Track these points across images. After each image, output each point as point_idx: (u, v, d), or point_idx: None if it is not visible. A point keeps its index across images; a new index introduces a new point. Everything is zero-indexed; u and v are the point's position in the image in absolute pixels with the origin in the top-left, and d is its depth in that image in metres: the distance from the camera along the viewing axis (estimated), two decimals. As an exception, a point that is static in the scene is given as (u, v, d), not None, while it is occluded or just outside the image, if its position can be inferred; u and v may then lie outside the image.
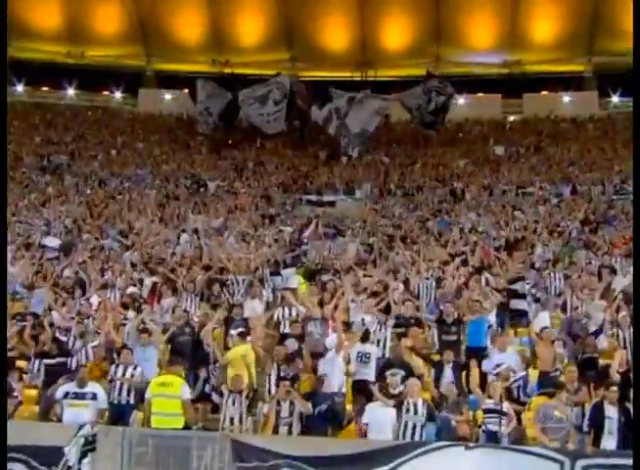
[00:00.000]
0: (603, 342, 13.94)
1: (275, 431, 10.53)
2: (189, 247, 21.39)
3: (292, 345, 12.94)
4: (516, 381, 11.72)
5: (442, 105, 38.10)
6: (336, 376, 11.88)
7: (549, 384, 11.70)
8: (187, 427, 10.64)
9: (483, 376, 12.22)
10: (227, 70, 48.45)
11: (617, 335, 13.51)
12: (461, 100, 46.02)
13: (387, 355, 13.35)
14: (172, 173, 34.42)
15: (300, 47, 48.48)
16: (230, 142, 40.83)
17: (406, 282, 17.18)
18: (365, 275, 17.60)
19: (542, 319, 14.46)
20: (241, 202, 29.14)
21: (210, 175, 34.13)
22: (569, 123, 43.04)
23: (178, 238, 22.85)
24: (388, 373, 11.81)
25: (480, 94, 47.54)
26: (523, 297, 16.30)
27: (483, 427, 10.70)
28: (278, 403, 10.74)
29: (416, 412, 10.64)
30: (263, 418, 10.96)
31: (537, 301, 16.18)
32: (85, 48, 48.64)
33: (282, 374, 11.73)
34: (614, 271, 18.25)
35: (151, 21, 48.53)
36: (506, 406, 10.77)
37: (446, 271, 17.35)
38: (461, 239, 21.88)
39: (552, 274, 17.75)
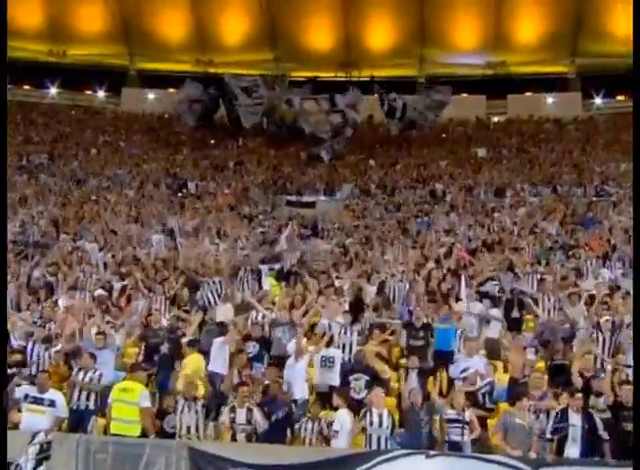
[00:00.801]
0: (579, 346, 13.85)
1: (233, 438, 10.27)
2: (163, 248, 21.14)
3: (253, 349, 12.67)
4: (482, 387, 11.49)
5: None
6: (296, 382, 11.65)
7: (518, 390, 11.51)
8: (145, 435, 10.40)
9: (451, 382, 12.04)
10: (211, 70, 48.32)
11: (597, 339, 13.34)
12: (445, 101, 45.92)
13: (352, 361, 13.15)
14: (152, 173, 34.13)
15: (284, 47, 48.30)
16: (212, 142, 40.62)
17: (380, 285, 17.06)
18: (338, 277, 17.45)
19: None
20: (219, 202, 28.90)
21: (191, 175, 33.86)
22: (552, 125, 42.98)
23: (154, 239, 22.63)
24: (351, 378, 11.61)
25: (465, 95, 47.37)
26: (492, 299, 16.19)
27: (446, 437, 10.50)
28: (233, 410, 10.47)
29: (381, 424, 10.42)
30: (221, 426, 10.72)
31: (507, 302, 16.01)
32: (68, 47, 48.34)
33: (243, 379, 11.47)
34: (586, 274, 18.27)
35: (134, 20, 48.21)
36: (468, 415, 10.57)
37: (420, 274, 17.17)
38: (438, 240, 21.74)
39: (528, 276, 17.67)
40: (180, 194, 30.98)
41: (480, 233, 22.75)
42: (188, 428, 10.52)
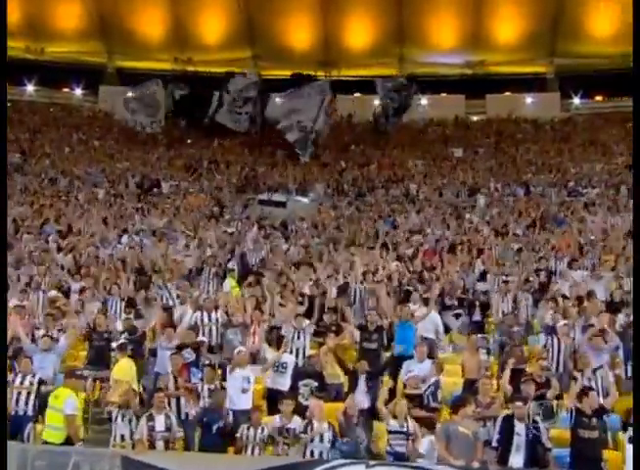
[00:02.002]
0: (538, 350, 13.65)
1: (152, 446, 9.94)
2: (127, 248, 20.77)
3: (188, 354, 12.34)
4: (427, 388, 11.21)
5: (402, 104, 37.85)
6: (237, 389, 11.31)
7: (465, 396, 11.22)
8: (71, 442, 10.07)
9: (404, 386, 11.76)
10: (190, 68, 48.04)
11: (552, 343, 13.08)
12: (424, 100, 45.81)
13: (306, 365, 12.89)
14: (125, 172, 33.71)
15: (263, 46, 48.10)
16: (188, 141, 40.28)
17: (343, 286, 16.80)
18: (299, 279, 17.14)
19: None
20: (190, 202, 28.57)
21: (164, 174, 33.51)
22: (530, 125, 42.88)
23: (120, 239, 22.30)
24: (300, 383, 11.32)
25: (444, 94, 47.37)
26: (457, 301, 15.97)
27: (389, 448, 10.19)
28: (151, 418, 10.14)
29: (322, 440, 10.11)
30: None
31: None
32: (45, 44, 47.87)
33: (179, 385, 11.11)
34: (554, 275, 18.09)
35: (112, 17, 47.76)
36: (412, 426, 10.26)
37: (382, 275, 16.92)
38: (406, 241, 21.51)
39: (494, 278, 17.45)
40: (151, 193, 30.57)
41: (450, 234, 22.49)
42: (122, 436, 10.19)
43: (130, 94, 39.04)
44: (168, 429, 10.10)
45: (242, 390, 11.27)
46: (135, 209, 26.78)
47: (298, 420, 10.30)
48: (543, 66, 46.79)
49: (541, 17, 44.48)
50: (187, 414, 10.90)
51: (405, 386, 11.46)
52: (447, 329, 15.35)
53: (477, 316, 15.66)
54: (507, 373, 11.36)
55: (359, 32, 48.01)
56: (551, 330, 13.31)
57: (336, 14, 46.53)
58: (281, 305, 14.81)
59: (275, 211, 27.10)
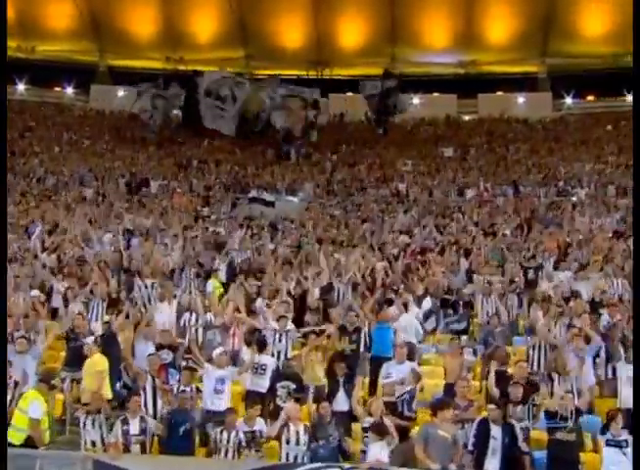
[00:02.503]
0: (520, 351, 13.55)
1: (126, 450, 9.80)
2: (112, 248, 20.58)
3: (165, 355, 12.20)
4: (402, 395, 11.06)
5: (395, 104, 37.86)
6: (211, 391, 11.18)
7: (445, 399, 11.08)
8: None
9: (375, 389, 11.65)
10: (181, 67, 47.95)
11: (533, 344, 12.97)
12: (416, 100, 45.83)
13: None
14: (114, 171, 33.57)
15: (255, 45, 48.14)
16: (179, 140, 40.16)
17: (327, 286, 16.69)
18: (284, 279, 16.99)
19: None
20: (178, 201, 28.44)
21: (153, 174, 33.38)
22: (521, 124, 42.87)
23: (105, 238, 22.10)
24: (278, 385, 11.19)
25: (436, 94, 47.38)
26: (441, 301, 15.85)
27: (363, 446, 10.03)
28: (126, 421, 10.01)
29: (298, 442, 9.95)
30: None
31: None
32: (37, 43, 47.74)
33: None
34: (540, 276, 17.95)
35: (104, 16, 47.80)
36: (387, 425, 10.06)
37: (366, 275, 16.81)
38: (393, 241, 21.38)
39: (480, 278, 17.32)
40: (140, 193, 30.43)
41: (437, 233, 22.36)
42: (93, 442, 10.02)
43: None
44: (143, 432, 9.96)
45: (215, 391, 11.13)
46: (123, 208, 26.60)
47: (263, 423, 10.20)
48: (535, 65, 46.88)
49: (533, 16, 44.57)
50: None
51: (382, 388, 11.32)
52: (432, 330, 15.27)
53: (457, 317, 15.47)
54: (492, 376, 11.21)
55: (351, 32, 48.06)
56: (533, 331, 13.20)
57: (328, 13, 46.59)
58: (267, 305, 14.67)
59: (264, 211, 26.94)
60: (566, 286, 16.80)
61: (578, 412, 10.04)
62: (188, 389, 10.81)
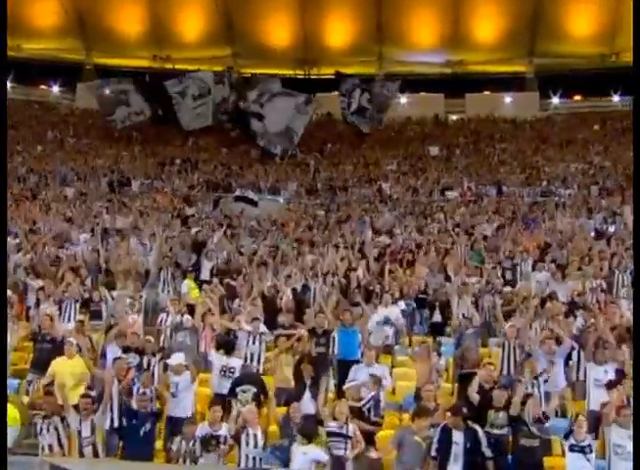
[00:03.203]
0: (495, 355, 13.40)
1: (80, 452, 9.63)
2: (88, 248, 20.37)
3: (131, 358, 12.02)
4: (367, 401, 10.87)
5: (381, 105, 37.71)
6: (169, 397, 10.99)
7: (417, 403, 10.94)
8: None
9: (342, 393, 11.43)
10: (168, 66, 47.76)
11: (504, 347, 12.83)
12: (403, 99, 45.77)
13: (260, 371, 12.60)
14: (96, 170, 33.32)
15: (242, 44, 47.94)
16: (164, 139, 39.89)
17: (303, 288, 16.54)
18: (260, 279, 16.80)
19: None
20: (160, 200, 28.22)
21: (136, 173, 33.15)
22: (508, 124, 42.79)
23: (83, 238, 21.88)
24: (238, 389, 11.00)
25: (423, 93, 47.25)
26: (417, 302, 15.74)
27: (328, 451, 9.79)
28: (79, 423, 9.83)
29: (256, 445, 9.77)
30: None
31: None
32: (22, 41, 47.31)
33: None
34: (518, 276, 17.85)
35: (90, 14, 47.51)
36: (352, 429, 9.93)
37: (342, 276, 16.66)
38: (373, 241, 21.21)
39: (457, 279, 17.16)
40: (121, 192, 30.19)
41: (417, 234, 22.20)
42: (50, 447, 9.85)
43: (106, 89, 38.49)
44: (93, 432, 9.80)
45: (173, 396, 10.95)
46: (103, 207, 26.37)
47: (226, 427, 10.03)
48: (522, 65, 46.82)
49: (520, 16, 44.49)
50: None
51: (345, 395, 11.14)
52: (407, 332, 15.14)
53: (436, 318, 15.37)
54: (476, 381, 11.03)
55: (339, 31, 47.92)
56: (503, 333, 13.08)
57: (315, 12, 46.44)
58: (238, 307, 14.51)
59: (246, 211, 26.73)
60: (543, 287, 16.74)
61: (545, 417, 9.90)
62: (147, 391, 10.61)
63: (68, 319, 15.09)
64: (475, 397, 10.46)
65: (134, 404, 10.38)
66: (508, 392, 10.40)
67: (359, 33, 47.27)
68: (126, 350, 12.28)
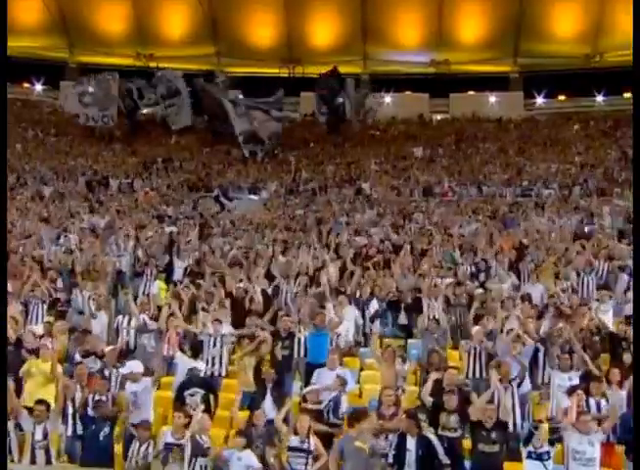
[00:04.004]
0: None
1: (32, 456, 9.43)
2: (61, 249, 20.14)
3: (92, 363, 11.80)
4: (327, 404, 10.70)
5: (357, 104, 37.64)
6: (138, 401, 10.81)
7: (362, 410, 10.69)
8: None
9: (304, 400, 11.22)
10: (152, 64, 47.50)
11: (469, 351, 12.66)
12: (388, 98, 45.73)
13: (222, 374, 12.40)
14: (76, 169, 33.07)
15: (226, 42, 47.80)
16: (145, 138, 39.70)
17: (274, 289, 16.35)
18: (236, 280, 16.58)
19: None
20: (139, 200, 28.01)
21: (116, 172, 32.90)
22: (493, 124, 42.73)
23: (58, 238, 21.69)
24: (186, 393, 10.78)
25: (408, 93, 47.20)
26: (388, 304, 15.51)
27: (288, 466, 9.57)
28: (33, 427, 9.64)
29: (205, 454, 9.50)
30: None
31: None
32: (4, 38, 46.96)
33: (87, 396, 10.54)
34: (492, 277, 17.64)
35: (73, 12, 47.28)
36: (313, 443, 9.63)
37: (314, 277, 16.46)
38: (348, 242, 21.01)
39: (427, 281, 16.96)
40: (99, 191, 29.96)
41: (394, 234, 22.01)
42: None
43: (83, 87, 38.22)
44: (45, 437, 9.62)
45: (132, 403, 10.74)
46: (80, 207, 26.17)
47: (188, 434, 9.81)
48: (507, 65, 46.81)
49: (505, 16, 44.54)
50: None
51: (306, 400, 10.97)
52: (376, 334, 14.94)
53: (406, 320, 15.17)
54: (429, 384, 10.88)
55: (323, 30, 47.89)
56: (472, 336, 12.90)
57: (300, 11, 46.44)
58: (203, 309, 14.30)
59: (223, 210, 26.56)
60: (517, 288, 16.60)
61: (505, 423, 9.76)
62: (104, 398, 10.40)
63: (36, 320, 14.91)
64: (428, 400, 10.31)
65: (90, 411, 10.16)
66: (467, 394, 10.25)
67: (344, 33, 47.22)
68: (86, 354, 12.04)
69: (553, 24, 44.08)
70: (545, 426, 9.65)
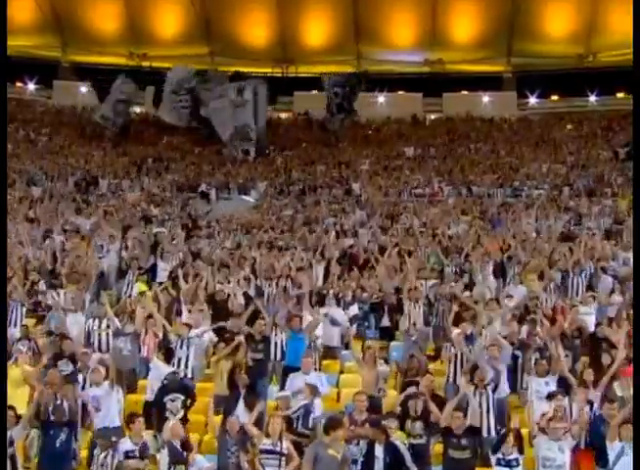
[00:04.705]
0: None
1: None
2: (46, 250, 19.99)
3: (63, 367, 11.67)
4: (296, 411, 10.57)
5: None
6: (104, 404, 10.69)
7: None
8: None
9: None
10: (145, 64, 47.39)
11: (450, 354, 12.57)
12: (381, 98, 45.61)
13: (189, 376, 12.26)
14: (66, 169, 32.90)
15: (219, 42, 47.55)
16: (137, 138, 39.55)
17: (257, 291, 16.26)
18: (220, 282, 16.47)
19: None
20: (127, 201, 27.91)
21: (106, 172, 32.74)
22: (486, 123, 42.60)
23: (43, 240, 21.55)
24: (166, 398, 10.66)
25: (401, 92, 47.04)
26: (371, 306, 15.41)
27: (261, 469, 9.36)
28: None
29: (183, 462, 9.34)
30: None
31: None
32: (-4, 37, 46.81)
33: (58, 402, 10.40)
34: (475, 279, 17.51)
35: (66, 11, 47.08)
36: (286, 446, 9.52)
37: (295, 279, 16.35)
38: (335, 243, 20.91)
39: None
40: (88, 192, 29.80)
41: (382, 235, 21.90)
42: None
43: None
44: (12, 443, 9.51)
45: (95, 408, 10.64)
46: (68, 208, 26.01)
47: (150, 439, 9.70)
48: (500, 65, 46.58)
49: (498, 16, 44.30)
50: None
51: (276, 407, 10.85)
52: (358, 337, 14.84)
53: (385, 322, 15.05)
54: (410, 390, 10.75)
55: (316, 29, 47.64)
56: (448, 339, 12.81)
57: (293, 11, 46.18)
58: (180, 311, 14.20)
59: (211, 212, 26.44)
60: (500, 290, 16.51)
61: (475, 429, 9.66)
62: (66, 403, 10.23)
63: (14, 323, 14.79)
64: (397, 406, 10.21)
65: (51, 416, 10.04)
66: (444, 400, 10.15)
67: (337, 32, 46.99)
68: (58, 357, 11.91)
69: (546, 24, 43.90)
70: (511, 433, 9.47)
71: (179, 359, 12.21)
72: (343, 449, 9.02)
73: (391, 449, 9.13)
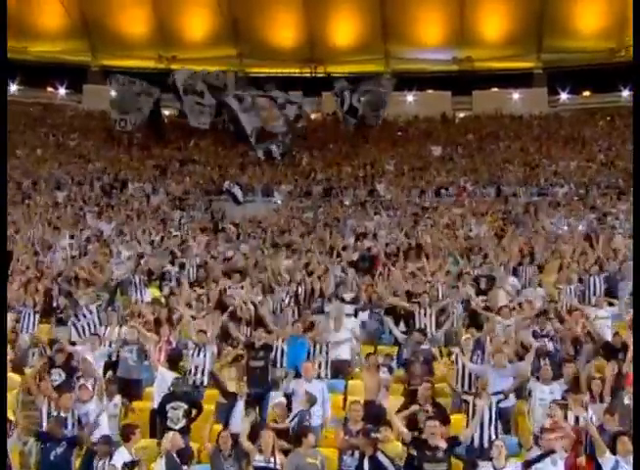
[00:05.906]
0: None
1: None
2: (65, 255, 20.04)
3: (56, 376, 11.61)
4: (292, 418, 10.38)
5: (376, 102, 37.08)
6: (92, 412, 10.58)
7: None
8: None
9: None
10: (174, 66, 47.50)
11: (456, 360, 12.28)
12: (410, 97, 45.27)
13: (205, 384, 12.14)
14: (92, 174, 33.04)
15: (248, 43, 47.55)
16: (164, 141, 39.58)
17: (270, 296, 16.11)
18: (230, 287, 16.38)
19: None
20: (152, 204, 27.94)
21: (132, 176, 32.83)
22: (516, 121, 42.03)
23: (65, 245, 21.57)
24: (168, 406, 10.54)
25: (431, 91, 46.68)
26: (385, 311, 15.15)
27: None
28: None
29: None
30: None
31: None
32: (28, 43, 47.33)
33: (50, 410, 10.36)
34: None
35: (96, 16, 47.38)
36: (279, 462, 9.29)
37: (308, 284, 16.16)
38: (354, 245, 20.71)
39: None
40: (113, 196, 29.88)
41: (404, 237, 21.59)
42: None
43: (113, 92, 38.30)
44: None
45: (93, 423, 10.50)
46: (92, 212, 26.10)
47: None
48: (530, 61, 45.92)
49: (528, 12, 43.72)
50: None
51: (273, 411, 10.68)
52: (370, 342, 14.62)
53: (402, 328, 14.75)
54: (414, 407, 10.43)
55: (344, 29, 47.42)
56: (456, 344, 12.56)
57: (321, 11, 45.98)
58: (193, 317, 14.10)
59: (232, 213, 26.34)
60: (518, 293, 16.19)
61: (454, 441, 9.33)
62: (63, 414, 10.17)
63: (27, 329, 14.82)
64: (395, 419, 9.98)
65: (45, 427, 9.98)
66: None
67: (365, 31, 46.74)
68: (51, 366, 11.85)
69: (576, 19, 43.23)
70: (502, 446, 9.11)
71: (196, 367, 12.10)
72: (321, 456, 8.84)
73: (375, 462, 8.90)
